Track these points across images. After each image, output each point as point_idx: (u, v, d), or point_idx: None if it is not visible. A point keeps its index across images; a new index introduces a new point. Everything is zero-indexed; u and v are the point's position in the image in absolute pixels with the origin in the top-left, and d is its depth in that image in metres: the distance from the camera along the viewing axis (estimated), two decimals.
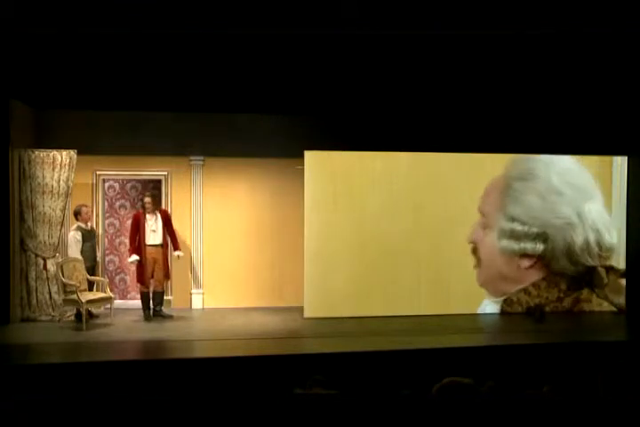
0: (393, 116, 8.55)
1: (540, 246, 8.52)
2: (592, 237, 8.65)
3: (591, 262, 8.65)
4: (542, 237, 8.51)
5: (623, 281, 8.73)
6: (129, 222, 8.46)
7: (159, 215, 8.14)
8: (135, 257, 8.00)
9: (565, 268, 8.57)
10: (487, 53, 6.76)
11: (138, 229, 8.04)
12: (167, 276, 8.28)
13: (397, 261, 8.37)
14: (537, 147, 8.58)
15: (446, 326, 7.71)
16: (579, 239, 8.60)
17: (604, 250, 8.70)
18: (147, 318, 7.97)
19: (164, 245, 8.15)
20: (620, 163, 8.82)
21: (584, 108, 8.57)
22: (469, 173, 8.50)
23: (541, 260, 8.56)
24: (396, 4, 5.54)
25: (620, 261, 8.80)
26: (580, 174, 8.69)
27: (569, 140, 8.64)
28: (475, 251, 8.46)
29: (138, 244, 8.02)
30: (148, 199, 8.13)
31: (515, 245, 8.47)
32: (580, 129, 8.70)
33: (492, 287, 8.51)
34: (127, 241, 8.61)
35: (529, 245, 8.49)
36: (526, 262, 8.53)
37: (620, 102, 8.44)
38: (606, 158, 8.80)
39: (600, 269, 8.65)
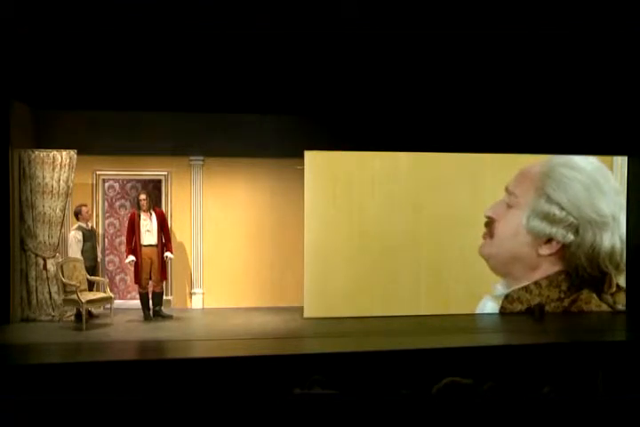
0: (393, 116, 8.55)
1: (569, 236, 8.48)
2: (618, 246, 8.64)
3: (608, 269, 8.62)
4: (575, 227, 8.48)
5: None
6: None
7: (154, 215, 8.12)
8: (131, 258, 7.99)
9: (582, 267, 8.53)
10: (487, 53, 6.77)
11: (133, 230, 8.03)
12: (164, 276, 8.26)
13: (397, 261, 8.37)
14: (537, 147, 8.57)
15: (446, 326, 7.71)
16: (607, 242, 8.59)
17: (624, 262, 8.68)
18: (146, 318, 7.96)
19: (159, 246, 8.13)
20: (620, 163, 8.82)
21: (584, 109, 8.57)
22: (469, 173, 8.50)
23: (562, 252, 8.52)
24: (395, 4, 5.54)
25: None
26: (618, 186, 8.74)
27: (569, 140, 8.64)
28: (489, 224, 8.41)
29: (134, 244, 8.01)
30: (143, 196, 8.11)
31: (547, 228, 8.42)
32: (580, 129, 8.70)
33: (497, 263, 8.44)
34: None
35: (560, 232, 8.45)
36: (547, 249, 8.50)
37: (620, 102, 8.44)
38: (606, 158, 8.81)
39: (613, 276, 8.64)
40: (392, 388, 3.79)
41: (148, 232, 8.05)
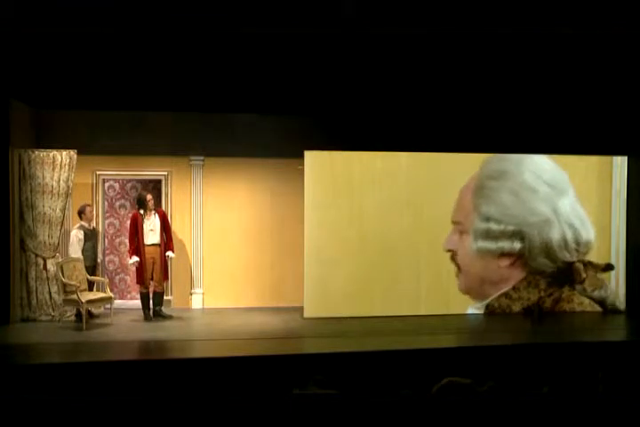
0: (393, 115, 8.55)
1: (517, 245, 8.48)
2: (569, 233, 8.61)
3: (569, 258, 8.60)
4: (519, 235, 8.46)
5: (602, 275, 8.70)
6: (127, 223, 8.47)
7: (157, 215, 8.14)
8: (135, 259, 7.98)
9: (544, 265, 8.53)
10: (487, 53, 6.76)
11: (136, 230, 8.02)
12: (166, 276, 8.26)
13: (397, 260, 8.37)
14: (537, 147, 8.58)
15: (446, 326, 7.71)
16: (555, 236, 8.56)
17: (582, 246, 8.67)
18: (147, 318, 7.96)
19: (161, 245, 8.14)
20: (620, 163, 8.82)
21: (584, 108, 8.57)
22: (469, 173, 8.49)
23: (520, 258, 8.52)
24: (395, 4, 5.54)
25: (600, 257, 8.75)
26: (552, 171, 8.62)
27: (569, 140, 8.64)
28: (453, 258, 8.42)
29: (137, 244, 8.00)
30: (150, 196, 8.12)
31: (492, 245, 8.42)
32: (580, 129, 8.70)
33: (476, 292, 8.47)
34: (127, 241, 8.61)
35: (506, 244, 8.45)
36: (505, 261, 8.49)
37: (620, 102, 8.44)
38: (606, 158, 8.80)
39: (577, 264, 8.61)
40: (392, 388, 3.79)
41: (152, 231, 8.05)
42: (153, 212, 8.10)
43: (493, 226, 8.40)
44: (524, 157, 8.58)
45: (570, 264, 8.61)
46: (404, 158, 8.43)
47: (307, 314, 8.16)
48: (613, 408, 2.91)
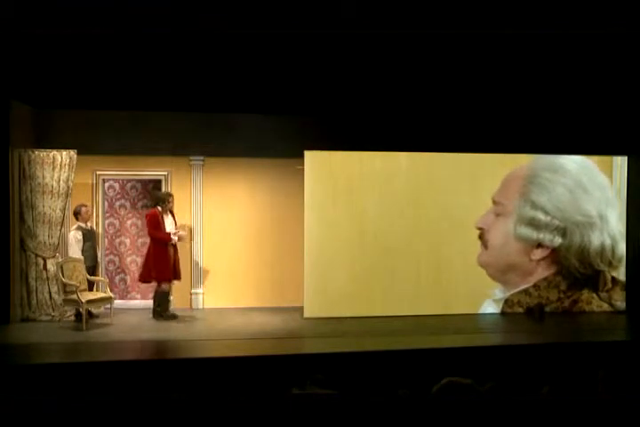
0: (392, 116, 8.55)
1: (557, 240, 8.47)
2: (608, 243, 8.62)
3: (601, 267, 8.60)
4: (562, 230, 8.47)
5: (624, 293, 8.72)
6: (131, 222, 8.43)
7: (171, 215, 8.15)
8: (175, 236, 7.89)
9: (574, 268, 8.53)
10: (487, 53, 6.76)
11: (159, 227, 7.94)
12: (178, 276, 8.21)
13: (397, 260, 8.37)
14: (537, 147, 8.58)
15: (446, 326, 7.72)
16: (595, 241, 8.56)
17: (616, 259, 8.67)
18: (166, 317, 7.89)
19: (175, 245, 8.12)
20: (620, 163, 8.82)
21: (584, 109, 8.56)
22: (469, 173, 8.50)
23: (554, 255, 8.51)
24: (394, 4, 5.54)
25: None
26: (605, 180, 8.71)
27: (569, 140, 8.64)
28: (482, 236, 8.43)
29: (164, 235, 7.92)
30: (171, 198, 8.13)
31: (533, 234, 8.42)
32: (580, 129, 8.69)
33: (495, 272, 8.45)
34: (127, 241, 8.60)
35: (547, 237, 8.44)
36: (539, 254, 8.49)
37: (620, 102, 8.44)
38: (606, 158, 8.80)
39: (606, 273, 8.62)
40: (392, 388, 3.79)
41: (171, 230, 8.05)
42: (169, 212, 8.09)
43: (540, 215, 8.41)
44: (584, 158, 8.64)
45: (597, 272, 8.61)
46: (404, 158, 8.43)
47: (307, 314, 8.16)
48: (613, 408, 2.91)
